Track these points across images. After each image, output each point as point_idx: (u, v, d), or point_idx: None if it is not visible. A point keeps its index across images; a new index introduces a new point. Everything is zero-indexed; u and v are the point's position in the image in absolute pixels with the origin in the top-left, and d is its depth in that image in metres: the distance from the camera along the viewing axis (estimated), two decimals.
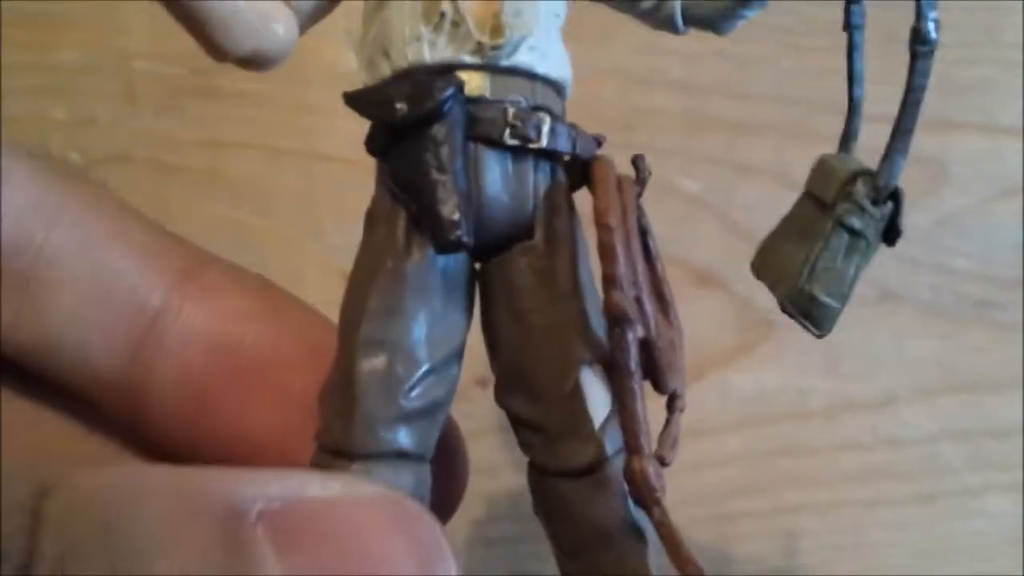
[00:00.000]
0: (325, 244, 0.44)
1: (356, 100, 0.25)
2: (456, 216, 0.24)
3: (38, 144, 0.45)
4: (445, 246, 0.24)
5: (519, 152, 0.25)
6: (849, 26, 0.28)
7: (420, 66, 0.25)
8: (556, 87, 0.26)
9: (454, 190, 0.24)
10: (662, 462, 0.25)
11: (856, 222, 0.25)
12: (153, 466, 0.24)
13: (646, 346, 0.24)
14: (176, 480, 0.21)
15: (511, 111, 0.24)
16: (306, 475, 0.22)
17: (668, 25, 0.26)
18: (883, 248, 0.54)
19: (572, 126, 0.26)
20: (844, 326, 0.54)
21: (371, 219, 0.25)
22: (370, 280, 0.25)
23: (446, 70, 0.24)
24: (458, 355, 0.25)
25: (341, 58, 0.46)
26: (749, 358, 0.50)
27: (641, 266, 0.24)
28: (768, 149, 0.49)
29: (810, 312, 0.26)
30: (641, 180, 0.26)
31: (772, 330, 0.50)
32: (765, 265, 0.28)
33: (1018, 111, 0.53)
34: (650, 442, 0.24)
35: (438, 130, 0.24)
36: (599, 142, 0.27)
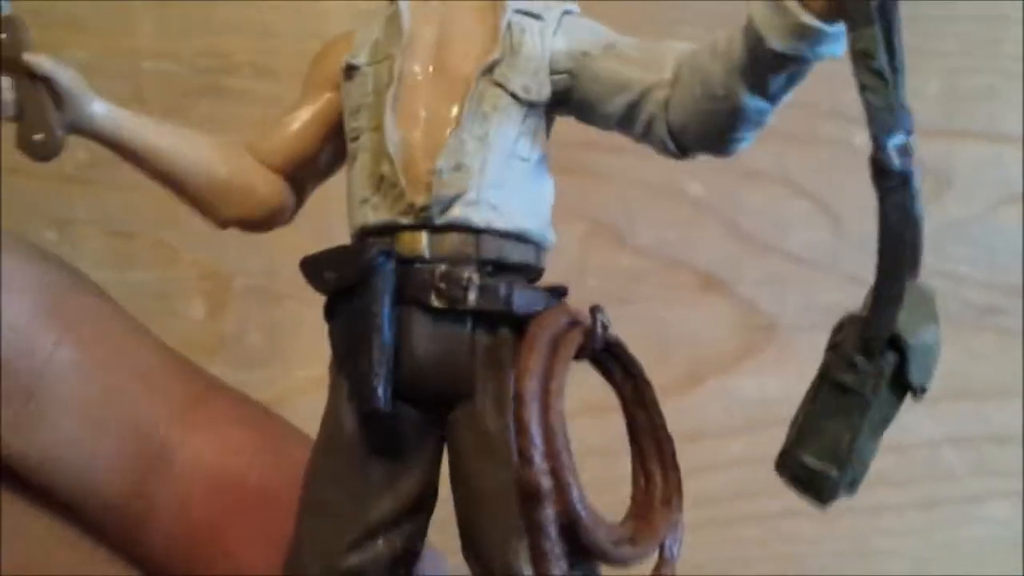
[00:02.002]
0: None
1: (304, 266, 0.26)
2: (375, 384, 0.24)
3: None
4: (365, 412, 0.24)
5: (453, 313, 0.24)
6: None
7: (366, 228, 0.25)
8: (516, 236, 0.25)
9: (376, 358, 0.24)
10: None
11: (846, 378, 0.22)
12: None
13: (567, 520, 0.23)
14: None
15: (439, 272, 0.24)
16: None
17: (663, 150, 0.25)
18: None
19: (523, 280, 0.25)
20: None
21: (329, 382, 0.26)
22: (320, 444, 0.26)
23: (388, 231, 0.25)
24: (413, 511, 0.25)
25: None
26: (752, 362, 0.50)
27: (562, 434, 0.23)
28: (773, 154, 0.49)
29: (802, 479, 0.23)
30: (593, 333, 0.25)
31: (775, 334, 0.50)
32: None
33: (1020, 120, 0.53)
34: None
35: (364, 298, 0.24)
36: (558, 293, 0.26)
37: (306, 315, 0.36)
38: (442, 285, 0.24)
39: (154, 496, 0.28)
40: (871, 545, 0.53)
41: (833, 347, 0.22)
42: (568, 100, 0.26)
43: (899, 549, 0.53)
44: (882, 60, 0.21)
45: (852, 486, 0.23)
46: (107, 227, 0.46)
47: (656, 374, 0.49)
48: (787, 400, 0.48)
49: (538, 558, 0.22)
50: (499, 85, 0.25)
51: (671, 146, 0.25)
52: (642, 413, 0.26)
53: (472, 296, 0.24)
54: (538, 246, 0.26)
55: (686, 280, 0.50)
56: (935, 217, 0.53)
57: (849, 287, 0.52)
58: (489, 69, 0.25)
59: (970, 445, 0.53)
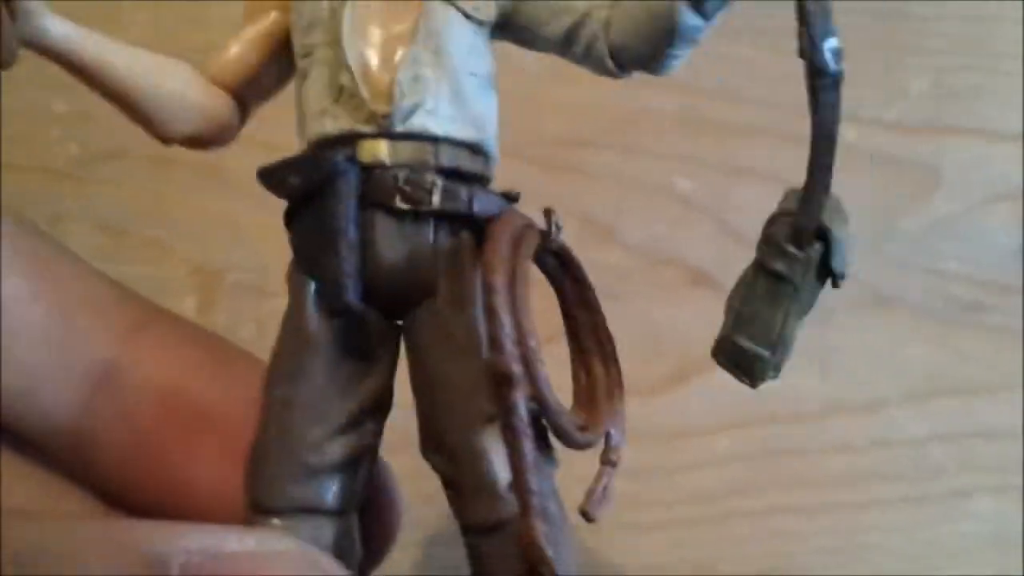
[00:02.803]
0: None
1: (264, 175, 0.26)
2: (345, 282, 0.25)
3: (37, 137, 0.46)
4: (335, 309, 0.25)
5: (416, 216, 0.25)
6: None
7: (324, 138, 0.26)
8: (469, 147, 0.26)
9: (342, 256, 0.25)
10: (586, 518, 0.25)
11: (779, 265, 0.25)
12: (82, 522, 0.25)
13: (537, 405, 0.24)
14: (103, 535, 0.23)
15: (402, 176, 0.25)
16: (225, 530, 0.23)
17: (602, 69, 0.27)
18: (876, 251, 0.54)
19: (480, 186, 0.26)
20: (836, 329, 0.55)
21: (289, 285, 0.27)
22: (281, 345, 0.26)
23: (347, 140, 0.26)
24: (373, 411, 0.26)
25: None
26: None
27: (528, 323, 0.24)
28: (762, 151, 0.49)
29: (738, 361, 0.25)
30: (548, 235, 0.27)
31: None
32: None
33: (1010, 116, 0.53)
34: (549, 501, 0.24)
35: (328, 199, 0.25)
36: (511, 198, 0.27)
37: None
38: (407, 188, 0.25)
39: (103, 416, 0.28)
40: (859, 540, 0.53)
41: (767, 237, 0.25)
42: (509, 24, 0.27)
43: (887, 544, 0.53)
44: None
45: (778, 369, 0.25)
46: (98, 223, 0.46)
47: (646, 371, 0.50)
48: (777, 397, 0.49)
49: (511, 437, 0.23)
50: (449, 3, 0.26)
51: (610, 65, 0.26)
52: (584, 313, 0.28)
53: (436, 198, 0.25)
54: (489, 157, 0.27)
55: (676, 277, 0.50)
56: (923, 214, 0.53)
57: None
58: None
59: (957, 441, 0.53)
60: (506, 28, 0.27)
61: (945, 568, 0.53)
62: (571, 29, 0.26)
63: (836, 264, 0.24)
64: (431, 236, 0.26)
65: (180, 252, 0.47)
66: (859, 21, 0.50)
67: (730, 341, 0.25)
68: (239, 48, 0.28)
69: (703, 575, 0.51)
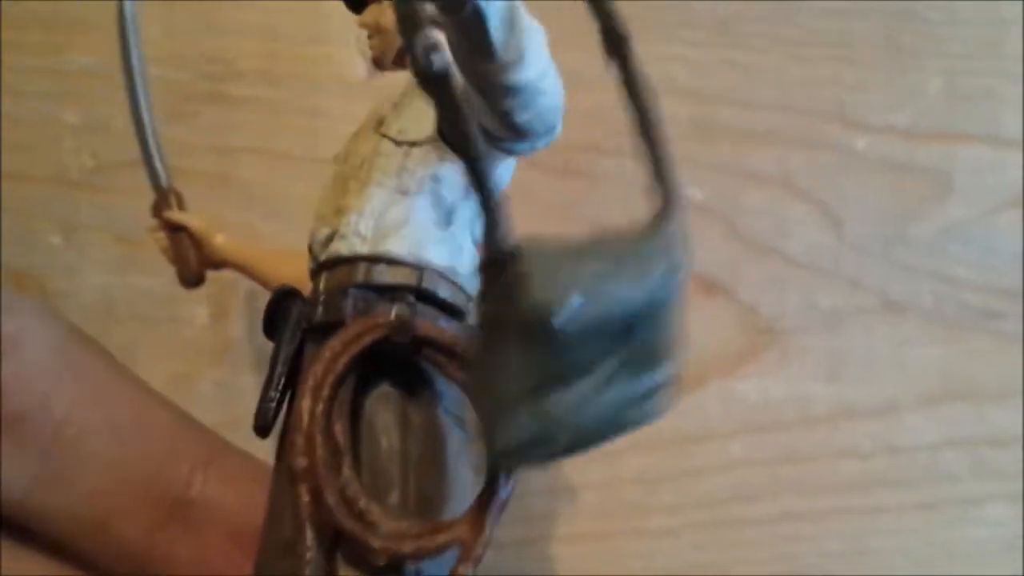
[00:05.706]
0: None
1: None
2: (261, 409, 0.27)
3: (51, 148, 0.46)
4: (256, 433, 0.27)
5: (320, 330, 0.27)
6: None
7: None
8: (385, 260, 0.27)
9: (264, 386, 0.27)
10: None
11: (484, 306, 0.21)
12: None
13: (321, 506, 0.24)
14: None
15: (308, 300, 0.28)
16: None
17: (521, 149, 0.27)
18: (886, 257, 0.53)
19: (391, 294, 0.27)
20: (847, 334, 0.55)
21: None
22: None
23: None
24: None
25: (350, 65, 0.47)
26: (753, 365, 0.50)
27: (324, 424, 0.25)
28: (774, 157, 0.49)
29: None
30: (395, 330, 0.26)
31: (776, 338, 0.50)
32: None
33: (1021, 123, 0.53)
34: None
35: (273, 335, 0.28)
36: (432, 300, 0.27)
37: None
38: (306, 310, 0.28)
39: (172, 548, 0.30)
40: (870, 546, 0.53)
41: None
42: None
43: (898, 550, 0.53)
44: None
45: (570, 449, 0.22)
46: (113, 233, 0.47)
47: None
48: (788, 402, 0.48)
49: (295, 530, 0.24)
50: (382, 135, 0.28)
51: (507, 147, 0.27)
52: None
53: (319, 311, 0.27)
54: (418, 269, 0.27)
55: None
56: (934, 220, 0.53)
57: (850, 290, 0.53)
58: (378, 124, 0.28)
59: (969, 447, 0.53)
60: None
61: (957, 574, 0.53)
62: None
63: (538, 300, 0.20)
64: None
65: None
66: (869, 25, 0.50)
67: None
68: None
69: None
